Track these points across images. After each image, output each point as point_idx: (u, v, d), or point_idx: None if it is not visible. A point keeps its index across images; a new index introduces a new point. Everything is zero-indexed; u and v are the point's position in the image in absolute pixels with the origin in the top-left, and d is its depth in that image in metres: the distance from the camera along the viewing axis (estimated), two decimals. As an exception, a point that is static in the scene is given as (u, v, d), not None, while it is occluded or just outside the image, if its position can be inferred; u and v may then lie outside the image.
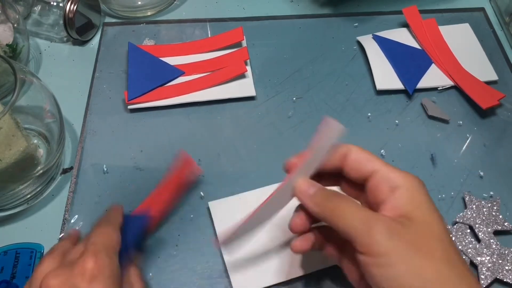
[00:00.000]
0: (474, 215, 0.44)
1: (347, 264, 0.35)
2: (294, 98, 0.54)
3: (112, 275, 0.31)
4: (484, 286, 0.40)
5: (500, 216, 0.44)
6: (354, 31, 0.60)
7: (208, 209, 0.45)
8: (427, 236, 0.30)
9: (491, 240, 0.42)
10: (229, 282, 0.41)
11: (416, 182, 0.32)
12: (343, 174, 0.35)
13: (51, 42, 0.60)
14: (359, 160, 0.33)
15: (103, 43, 0.59)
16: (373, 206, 0.33)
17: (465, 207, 0.45)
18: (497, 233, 0.43)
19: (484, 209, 0.44)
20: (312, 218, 0.34)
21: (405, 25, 0.60)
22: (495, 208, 0.44)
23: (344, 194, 0.35)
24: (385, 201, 0.32)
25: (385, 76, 0.54)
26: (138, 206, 0.45)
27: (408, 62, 0.55)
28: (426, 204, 0.31)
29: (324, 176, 0.35)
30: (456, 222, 0.44)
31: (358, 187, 0.35)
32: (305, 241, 0.35)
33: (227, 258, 0.42)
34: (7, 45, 0.53)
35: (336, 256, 0.36)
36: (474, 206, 0.44)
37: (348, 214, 0.31)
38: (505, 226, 0.43)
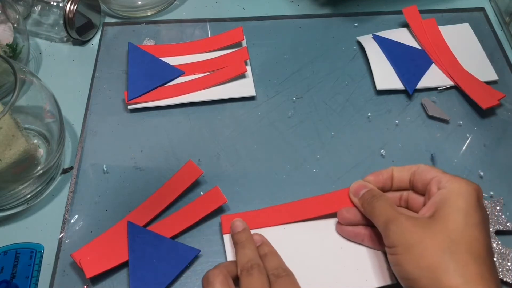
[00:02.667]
0: (474, 215, 0.44)
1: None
2: (294, 98, 0.54)
3: None
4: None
5: (503, 216, 0.44)
6: (354, 31, 0.60)
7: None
8: (439, 235, 0.34)
9: (492, 240, 0.42)
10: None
11: (464, 188, 0.36)
12: (413, 187, 0.41)
13: (51, 42, 0.60)
14: (424, 172, 0.39)
15: (103, 43, 0.59)
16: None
17: (465, 207, 0.45)
18: (498, 233, 0.43)
19: (487, 209, 0.44)
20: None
21: (405, 25, 0.60)
22: (497, 208, 0.44)
23: (385, 195, 0.40)
24: (428, 200, 0.37)
25: (385, 76, 0.54)
26: (138, 206, 0.45)
27: (408, 62, 0.55)
28: (460, 209, 0.35)
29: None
30: (456, 222, 0.44)
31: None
32: (352, 215, 0.42)
33: (228, 256, 0.42)
34: (7, 45, 0.53)
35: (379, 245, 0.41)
36: (474, 206, 0.44)
37: (378, 213, 0.38)
38: (508, 226, 0.43)
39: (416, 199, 0.41)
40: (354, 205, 0.42)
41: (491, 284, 0.32)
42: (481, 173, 0.48)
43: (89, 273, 0.41)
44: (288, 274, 0.37)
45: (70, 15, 0.56)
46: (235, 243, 0.41)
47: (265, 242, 0.41)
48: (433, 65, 0.55)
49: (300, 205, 0.44)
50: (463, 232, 0.34)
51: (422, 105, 0.53)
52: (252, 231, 0.42)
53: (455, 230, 0.34)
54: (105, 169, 0.49)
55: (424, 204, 0.38)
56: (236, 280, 0.38)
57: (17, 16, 0.55)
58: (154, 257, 0.41)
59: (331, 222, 0.43)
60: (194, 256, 0.42)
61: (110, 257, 0.42)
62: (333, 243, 0.42)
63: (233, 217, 0.43)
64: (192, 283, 0.42)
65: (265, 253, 0.40)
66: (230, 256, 0.42)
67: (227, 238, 0.43)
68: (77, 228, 0.45)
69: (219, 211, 0.45)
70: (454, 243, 0.33)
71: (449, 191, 0.36)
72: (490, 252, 0.34)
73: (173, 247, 0.42)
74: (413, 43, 0.58)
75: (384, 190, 0.42)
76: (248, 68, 0.55)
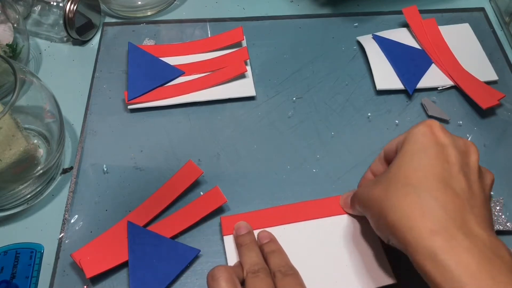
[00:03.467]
0: (474, 215, 0.44)
1: None
2: (294, 98, 0.54)
3: None
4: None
5: (503, 217, 0.44)
6: (354, 31, 0.60)
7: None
8: (384, 178, 0.36)
9: (491, 240, 0.42)
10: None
11: (414, 133, 0.36)
12: None
13: (51, 42, 0.60)
14: (390, 148, 0.39)
15: (103, 43, 0.59)
16: None
17: (465, 207, 0.45)
18: (498, 233, 0.43)
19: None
20: None
21: (405, 25, 0.60)
22: (497, 208, 0.44)
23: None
24: None
25: (385, 76, 0.54)
26: (138, 206, 0.45)
27: (408, 62, 0.55)
28: (405, 152, 0.36)
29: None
30: (456, 222, 0.44)
31: None
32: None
33: (228, 258, 0.42)
34: (7, 45, 0.53)
35: None
36: (474, 206, 0.44)
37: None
38: (508, 226, 0.43)
39: None
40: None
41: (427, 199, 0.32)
42: (481, 173, 0.48)
43: (89, 273, 0.41)
44: (295, 274, 0.38)
45: (70, 15, 0.56)
46: (239, 245, 0.41)
47: (273, 240, 0.41)
48: (433, 65, 0.55)
49: (300, 207, 0.44)
50: (400, 168, 0.35)
51: (422, 105, 0.53)
52: (259, 230, 0.43)
53: (394, 167, 0.35)
54: (105, 169, 0.49)
55: None
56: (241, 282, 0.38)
57: (17, 16, 0.55)
58: (154, 257, 0.41)
59: (331, 222, 0.43)
60: (194, 256, 0.42)
61: (110, 257, 0.42)
62: (333, 243, 0.42)
63: (233, 218, 0.44)
64: (192, 283, 0.42)
65: (273, 250, 0.40)
66: (230, 257, 0.42)
67: (227, 239, 0.43)
68: (77, 228, 0.45)
69: (219, 211, 0.45)
70: (389, 179, 0.35)
71: (403, 142, 0.37)
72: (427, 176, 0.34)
73: (173, 247, 0.42)
74: (413, 43, 0.58)
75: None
76: (248, 68, 0.55)
